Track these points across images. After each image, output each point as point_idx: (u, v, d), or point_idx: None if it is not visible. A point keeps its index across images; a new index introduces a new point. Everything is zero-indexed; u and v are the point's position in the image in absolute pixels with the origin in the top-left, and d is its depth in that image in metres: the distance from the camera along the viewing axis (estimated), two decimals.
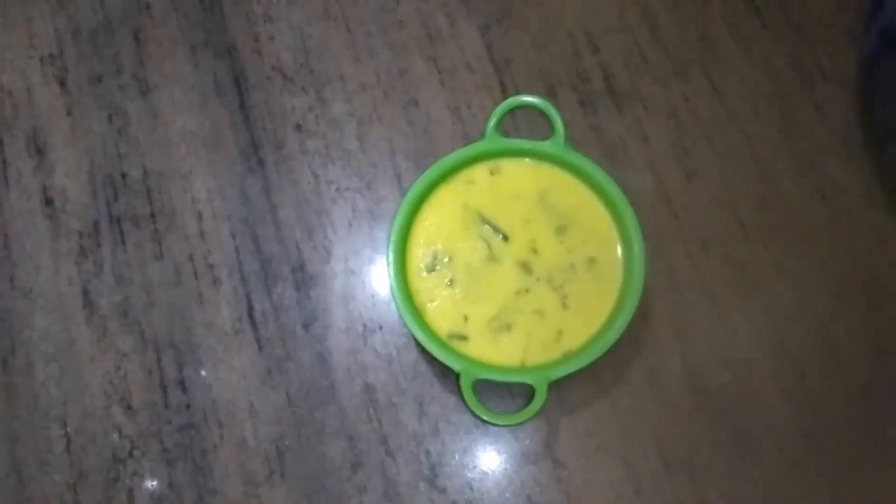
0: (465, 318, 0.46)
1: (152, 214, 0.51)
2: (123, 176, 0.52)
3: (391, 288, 0.46)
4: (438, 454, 0.47)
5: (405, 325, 0.45)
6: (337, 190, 0.52)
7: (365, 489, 0.46)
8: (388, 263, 0.46)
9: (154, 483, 0.46)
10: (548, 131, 0.48)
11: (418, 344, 0.46)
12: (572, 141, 0.48)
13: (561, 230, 0.48)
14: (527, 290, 0.47)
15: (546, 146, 0.48)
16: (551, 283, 0.47)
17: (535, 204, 0.48)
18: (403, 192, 0.49)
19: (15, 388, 0.48)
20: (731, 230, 0.50)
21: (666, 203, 0.51)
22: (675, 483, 0.46)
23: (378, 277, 0.50)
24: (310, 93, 0.54)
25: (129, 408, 0.48)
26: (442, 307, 0.47)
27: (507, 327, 0.46)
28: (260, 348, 0.49)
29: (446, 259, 0.47)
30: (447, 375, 0.48)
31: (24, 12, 0.57)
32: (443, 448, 0.47)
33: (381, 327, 0.49)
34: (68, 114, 0.54)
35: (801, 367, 0.47)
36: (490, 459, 0.47)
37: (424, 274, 0.47)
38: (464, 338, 0.46)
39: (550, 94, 0.53)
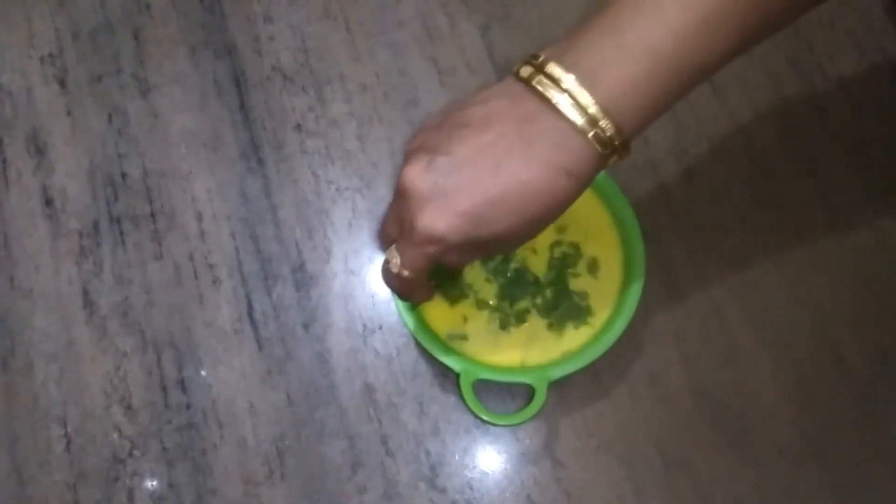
0: (465, 318, 0.46)
1: (152, 214, 0.51)
2: (123, 176, 0.52)
3: None
4: (438, 454, 0.47)
5: (405, 325, 0.45)
6: (337, 190, 0.52)
7: (365, 489, 0.46)
8: None
9: (154, 483, 0.46)
10: None
11: (418, 344, 0.46)
12: None
13: (561, 230, 0.48)
14: (527, 290, 0.47)
15: None
16: (551, 283, 0.47)
17: None
18: None
19: (15, 388, 0.48)
20: (731, 230, 0.50)
21: (666, 203, 0.51)
22: (675, 483, 0.46)
23: (378, 277, 0.50)
24: (310, 93, 0.54)
25: (129, 408, 0.48)
26: (442, 307, 0.46)
27: (507, 327, 0.46)
28: (260, 348, 0.49)
29: None
30: (447, 375, 0.48)
31: (24, 12, 0.57)
32: (443, 448, 0.47)
33: (381, 327, 0.49)
34: (68, 114, 0.54)
35: (801, 367, 0.47)
36: (490, 459, 0.47)
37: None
38: (464, 338, 0.46)
39: None
